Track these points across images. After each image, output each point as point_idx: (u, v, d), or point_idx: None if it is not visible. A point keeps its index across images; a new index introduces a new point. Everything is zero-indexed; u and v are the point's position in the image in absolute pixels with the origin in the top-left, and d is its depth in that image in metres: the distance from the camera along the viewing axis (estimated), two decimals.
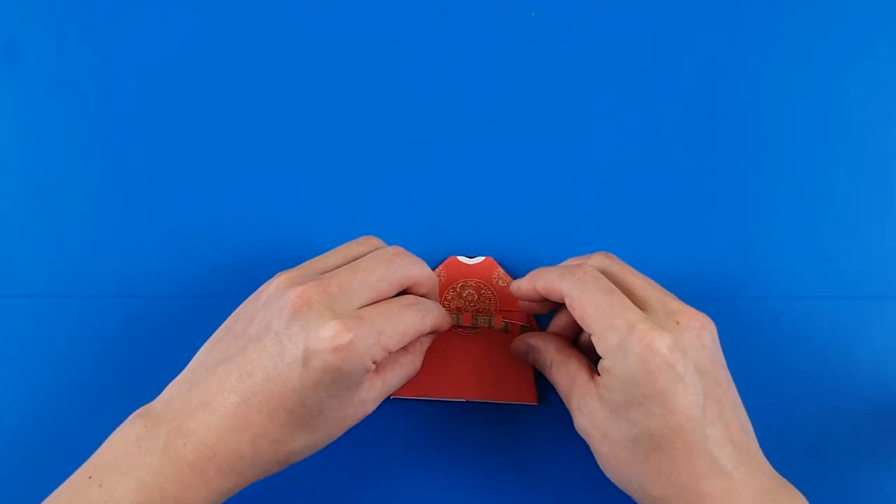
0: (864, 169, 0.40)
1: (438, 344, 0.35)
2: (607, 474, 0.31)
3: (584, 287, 0.30)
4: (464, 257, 0.37)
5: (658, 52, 0.42)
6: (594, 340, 0.29)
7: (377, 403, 0.31)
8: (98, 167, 0.41)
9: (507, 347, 0.36)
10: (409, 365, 0.32)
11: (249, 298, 0.32)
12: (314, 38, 0.42)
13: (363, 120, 0.41)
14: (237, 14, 0.42)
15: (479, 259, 0.37)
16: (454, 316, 0.36)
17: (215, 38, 0.42)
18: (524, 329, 0.37)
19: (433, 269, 0.37)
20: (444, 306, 0.36)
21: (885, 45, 0.41)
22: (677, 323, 0.28)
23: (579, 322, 0.30)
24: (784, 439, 0.38)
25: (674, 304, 0.30)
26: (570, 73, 0.41)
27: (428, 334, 0.33)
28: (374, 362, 0.29)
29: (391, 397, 0.35)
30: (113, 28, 0.42)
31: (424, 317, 0.31)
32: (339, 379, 0.28)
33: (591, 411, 0.30)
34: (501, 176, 0.41)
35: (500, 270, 0.37)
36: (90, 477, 0.28)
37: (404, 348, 0.32)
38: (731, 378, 0.30)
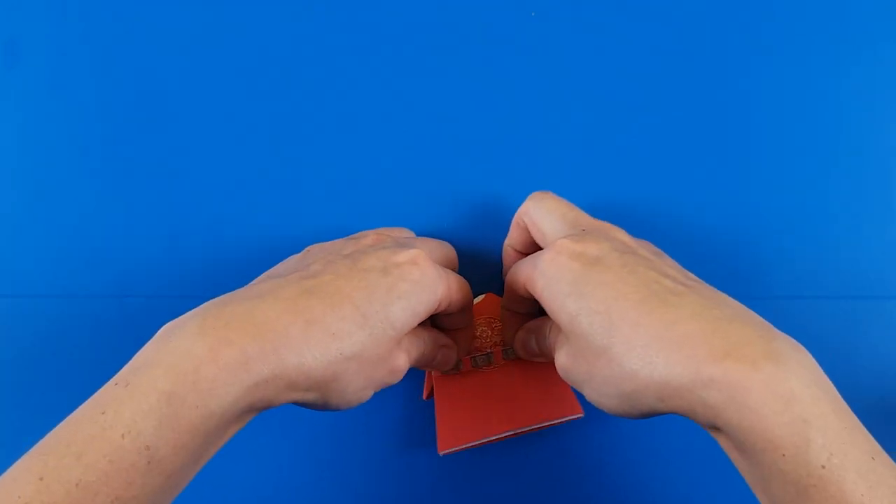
0: (864, 169, 0.40)
1: (475, 386, 0.36)
2: (605, 400, 0.29)
3: (518, 266, 0.33)
4: None
5: (658, 52, 0.42)
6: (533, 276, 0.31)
7: (405, 368, 0.31)
8: (98, 167, 0.41)
9: (537, 371, 0.36)
10: (447, 348, 0.34)
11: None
12: (314, 38, 0.42)
13: (363, 120, 0.41)
14: (236, 14, 0.42)
15: (480, 297, 0.38)
16: (483, 356, 0.37)
17: (215, 38, 0.42)
18: None
19: None
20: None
21: (885, 45, 0.41)
22: (583, 230, 0.31)
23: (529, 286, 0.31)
24: None
25: (583, 220, 0.32)
26: (570, 74, 0.41)
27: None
28: (437, 302, 0.30)
29: (441, 453, 0.35)
30: (113, 28, 0.42)
31: (443, 289, 0.32)
32: (411, 292, 0.29)
33: (564, 349, 0.30)
34: (501, 176, 0.41)
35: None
36: (115, 384, 0.25)
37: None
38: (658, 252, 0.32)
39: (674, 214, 0.40)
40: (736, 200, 0.40)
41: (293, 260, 0.33)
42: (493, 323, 0.37)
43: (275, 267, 0.33)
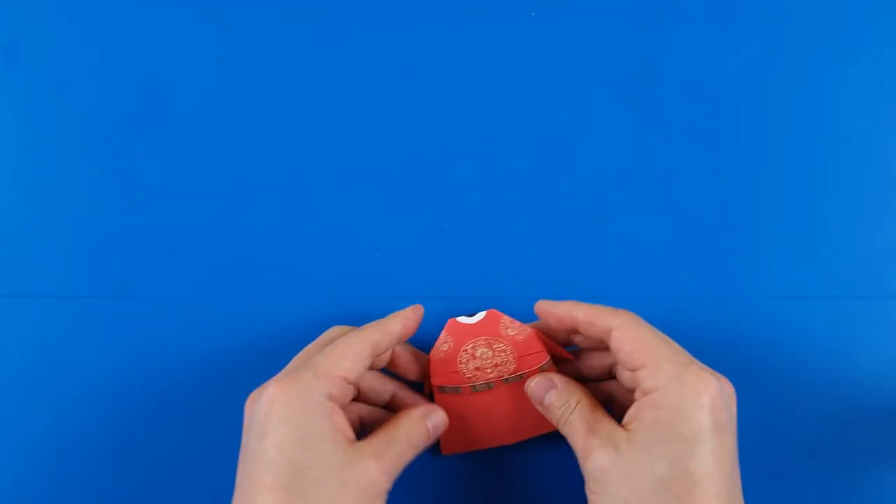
0: (864, 169, 0.40)
1: (474, 404, 0.35)
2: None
3: (636, 323, 0.31)
4: (464, 317, 0.36)
5: (658, 52, 0.42)
6: (642, 375, 0.29)
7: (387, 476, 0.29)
8: (98, 167, 0.41)
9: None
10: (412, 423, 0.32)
11: None
12: (314, 39, 0.42)
13: (362, 121, 0.41)
14: (237, 15, 0.42)
15: (481, 315, 0.36)
16: (483, 385, 0.35)
17: (215, 39, 0.42)
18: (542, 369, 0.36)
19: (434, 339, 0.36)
20: (462, 369, 0.35)
21: (885, 45, 0.41)
22: (715, 377, 0.29)
23: (624, 356, 0.30)
24: (783, 440, 0.38)
25: (700, 364, 0.30)
26: (570, 74, 0.41)
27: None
28: (328, 397, 0.29)
29: (438, 453, 0.35)
30: (113, 29, 0.42)
31: (372, 330, 0.32)
32: (293, 421, 0.28)
33: (619, 451, 0.29)
34: (500, 176, 0.41)
35: (506, 319, 0.36)
36: None
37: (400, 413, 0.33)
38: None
39: (673, 214, 0.40)
40: (736, 200, 0.40)
41: None
42: (493, 344, 0.35)
43: None
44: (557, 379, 0.33)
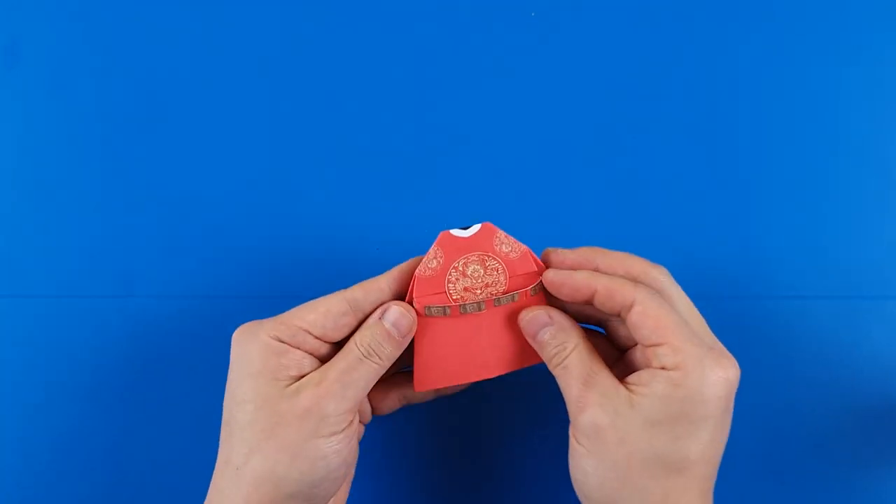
0: (864, 169, 0.40)
1: (457, 330, 0.33)
2: (586, 482, 0.29)
3: (658, 302, 0.29)
4: (457, 230, 0.33)
5: (658, 51, 0.42)
6: (662, 351, 0.28)
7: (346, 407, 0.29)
8: (98, 167, 0.41)
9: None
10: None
11: None
12: (313, 39, 0.42)
13: (362, 120, 0.41)
14: (236, 15, 0.42)
15: (476, 227, 0.33)
16: (474, 305, 0.33)
17: (215, 39, 0.42)
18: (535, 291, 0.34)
19: (425, 250, 0.34)
20: (450, 289, 0.33)
21: (885, 45, 0.41)
22: (733, 363, 0.29)
23: (646, 332, 0.29)
24: (784, 439, 0.38)
25: (720, 345, 0.30)
26: (570, 73, 0.41)
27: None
28: (275, 338, 0.30)
29: (417, 391, 0.33)
30: (113, 29, 0.42)
31: (355, 288, 0.31)
32: (238, 359, 0.30)
33: (618, 412, 0.28)
34: (500, 176, 0.41)
35: (501, 234, 0.33)
36: None
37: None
38: None
39: (674, 214, 0.40)
40: (735, 200, 0.40)
41: None
42: (486, 261, 0.33)
43: None
44: (555, 315, 0.31)
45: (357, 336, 0.31)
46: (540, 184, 0.40)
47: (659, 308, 0.29)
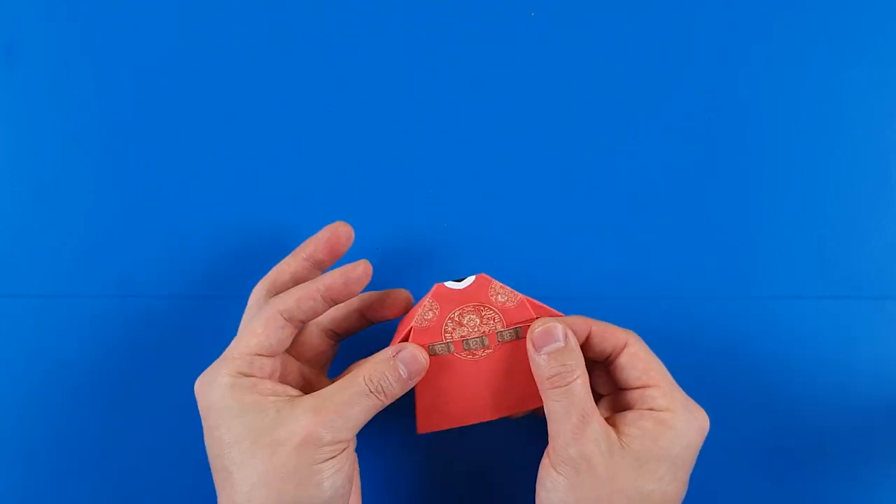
0: (864, 169, 0.40)
1: (459, 370, 0.33)
2: None
3: (645, 346, 0.32)
4: (451, 283, 0.33)
5: (658, 51, 0.42)
6: (652, 393, 0.31)
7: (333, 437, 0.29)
8: (98, 167, 0.41)
9: (525, 356, 0.33)
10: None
11: None
12: (314, 40, 0.42)
13: (361, 121, 0.41)
14: (235, 15, 0.42)
15: (470, 279, 0.33)
16: (477, 339, 0.33)
17: (214, 39, 0.42)
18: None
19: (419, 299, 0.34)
20: (447, 339, 0.33)
21: (885, 45, 0.41)
22: (706, 416, 0.32)
23: (636, 373, 0.31)
24: (784, 439, 0.38)
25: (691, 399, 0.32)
26: (570, 73, 0.41)
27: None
28: (237, 376, 0.29)
29: (420, 433, 0.34)
30: (113, 29, 0.42)
31: (287, 297, 0.31)
32: (210, 409, 0.30)
33: (612, 450, 0.29)
34: (500, 176, 0.41)
35: (496, 284, 0.33)
36: None
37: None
38: None
39: (674, 214, 0.40)
40: (736, 200, 0.40)
41: None
42: (482, 311, 0.33)
43: None
44: (570, 336, 0.31)
45: (366, 370, 0.30)
46: (539, 183, 0.40)
47: (648, 353, 0.32)
